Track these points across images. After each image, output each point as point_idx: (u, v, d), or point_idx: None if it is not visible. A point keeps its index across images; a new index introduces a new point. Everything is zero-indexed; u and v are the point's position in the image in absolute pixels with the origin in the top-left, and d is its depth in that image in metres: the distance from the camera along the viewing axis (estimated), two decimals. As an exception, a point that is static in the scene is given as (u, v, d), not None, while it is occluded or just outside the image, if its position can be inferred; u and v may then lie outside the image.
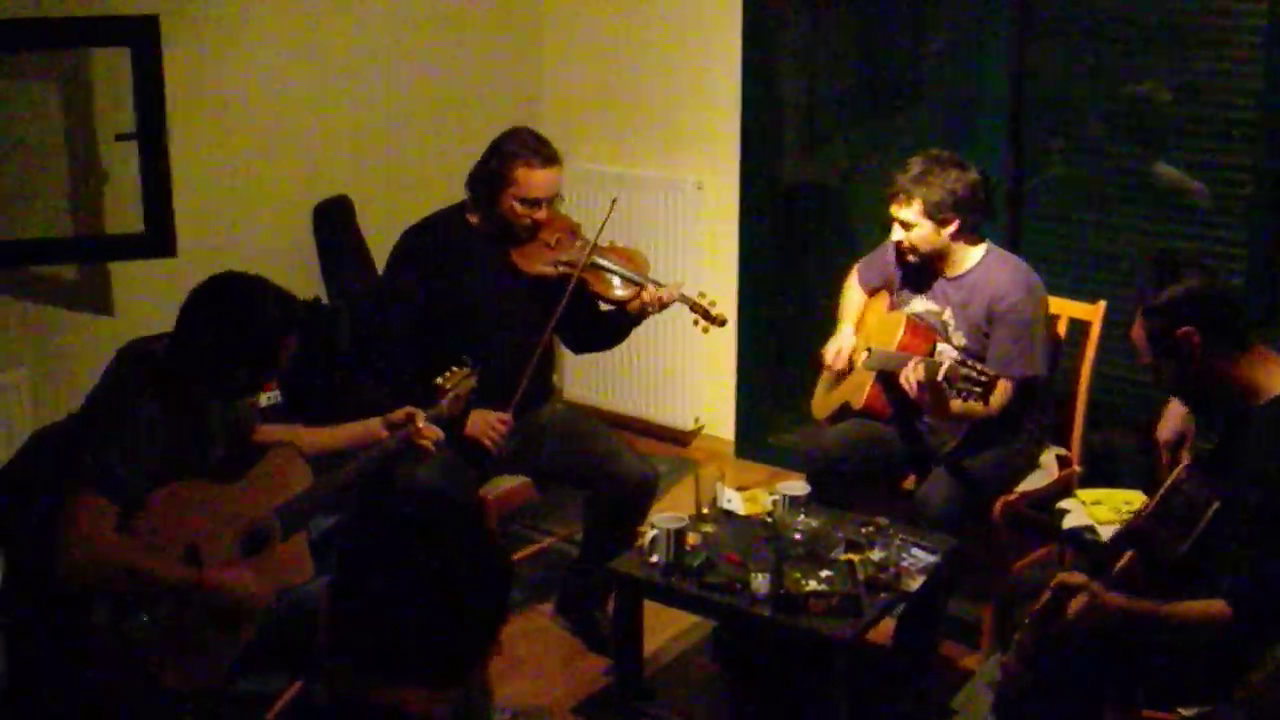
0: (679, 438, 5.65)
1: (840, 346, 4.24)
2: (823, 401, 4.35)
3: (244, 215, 4.76)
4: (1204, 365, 3.00)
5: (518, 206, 3.95)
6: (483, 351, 3.98)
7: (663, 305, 4.06)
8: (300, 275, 4.90)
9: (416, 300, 3.99)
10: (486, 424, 3.96)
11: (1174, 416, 3.60)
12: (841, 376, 4.29)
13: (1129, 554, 3.10)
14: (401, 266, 4.07)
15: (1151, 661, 2.95)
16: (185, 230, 4.35)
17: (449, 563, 1.82)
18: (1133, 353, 3.16)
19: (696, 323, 4.08)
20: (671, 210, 5.38)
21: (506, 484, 4.10)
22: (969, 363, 3.67)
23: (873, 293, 4.35)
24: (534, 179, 3.93)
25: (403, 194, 5.05)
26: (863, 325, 4.31)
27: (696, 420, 5.60)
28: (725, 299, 5.36)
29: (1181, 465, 3.23)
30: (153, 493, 2.97)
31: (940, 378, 3.68)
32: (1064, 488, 4.05)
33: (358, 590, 1.82)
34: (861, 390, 4.11)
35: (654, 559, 3.57)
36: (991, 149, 4.65)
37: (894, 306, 4.22)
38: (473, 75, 5.44)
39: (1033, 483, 4.05)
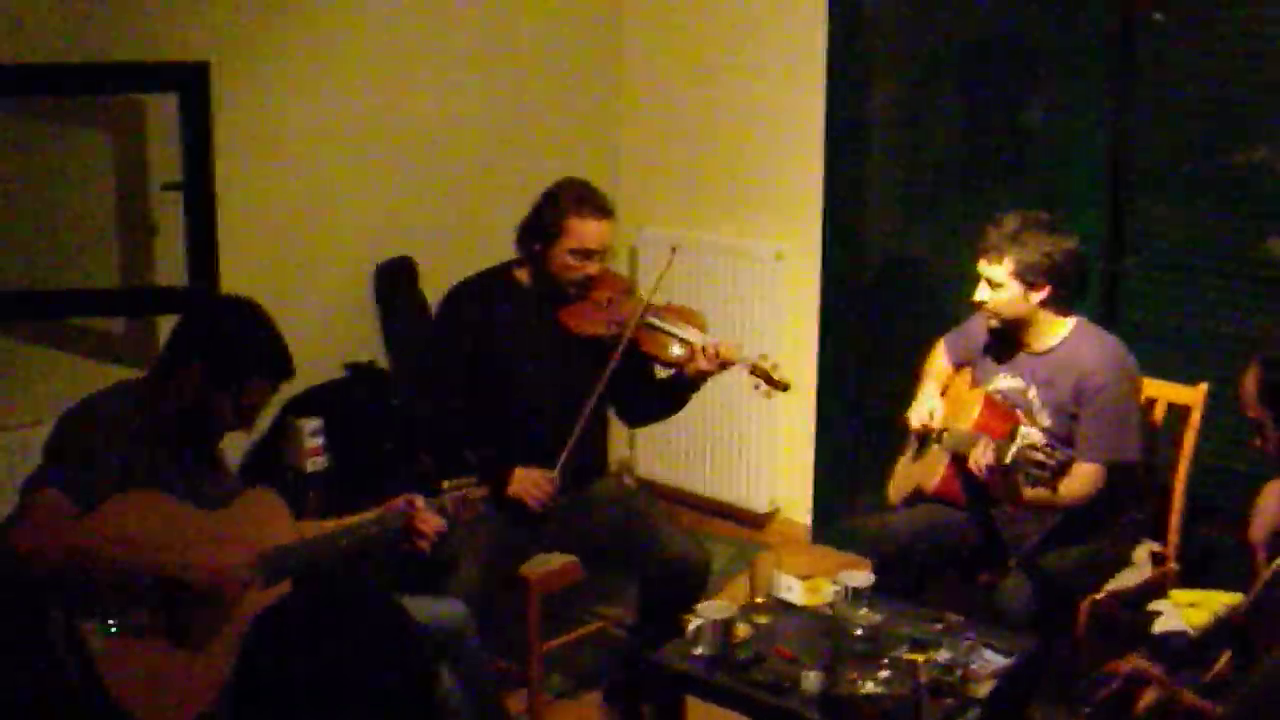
0: (754, 520, 5.35)
1: (930, 408, 3.93)
2: (899, 483, 4.05)
3: (300, 272, 4.61)
4: None
5: (569, 259, 3.74)
6: (531, 418, 3.78)
7: (722, 365, 3.79)
8: (358, 337, 4.74)
9: (461, 364, 3.79)
10: (531, 481, 3.73)
11: (1268, 512, 3.25)
12: (921, 455, 3.98)
13: (1225, 654, 2.77)
14: (446, 328, 3.88)
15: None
16: (236, 285, 4.20)
17: (355, 665, 1.60)
18: (1239, 431, 2.88)
19: (757, 387, 3.81)
20: (750, 280, 5.13)
21: (551, 562, 3.84)
22: (1041, 445, 3.36)
23: (958, 367, 4.05)
24: (586, 230, 3.72)
25: (468, 257, 4.81)
26: (945, 400, 4.00)
27: (772, 502, 5.30)
28: (804, 375, 5.10)
29: (1280, 559, 2.89)
30: (119, 496, 2.87)
31: (1008, 460, 3.37)
32: (1158, 587, 3.69)
33: (260, 686, 1.58)
34: (935, 472, 3.80)
35: (698, 650, 3.28)
36: (1089, 223, 4.34)
37: (976, 383, 3.91)
38: (546, 135, 5.24)
39: (1124, 581, 3.71)
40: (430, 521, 3.27)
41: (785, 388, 3.81)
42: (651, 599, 3.83)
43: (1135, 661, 2.68)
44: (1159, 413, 3.89)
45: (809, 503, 5.24)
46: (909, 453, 4.05)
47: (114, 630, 2.78)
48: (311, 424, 4.37)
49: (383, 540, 3.28)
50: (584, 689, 4.12)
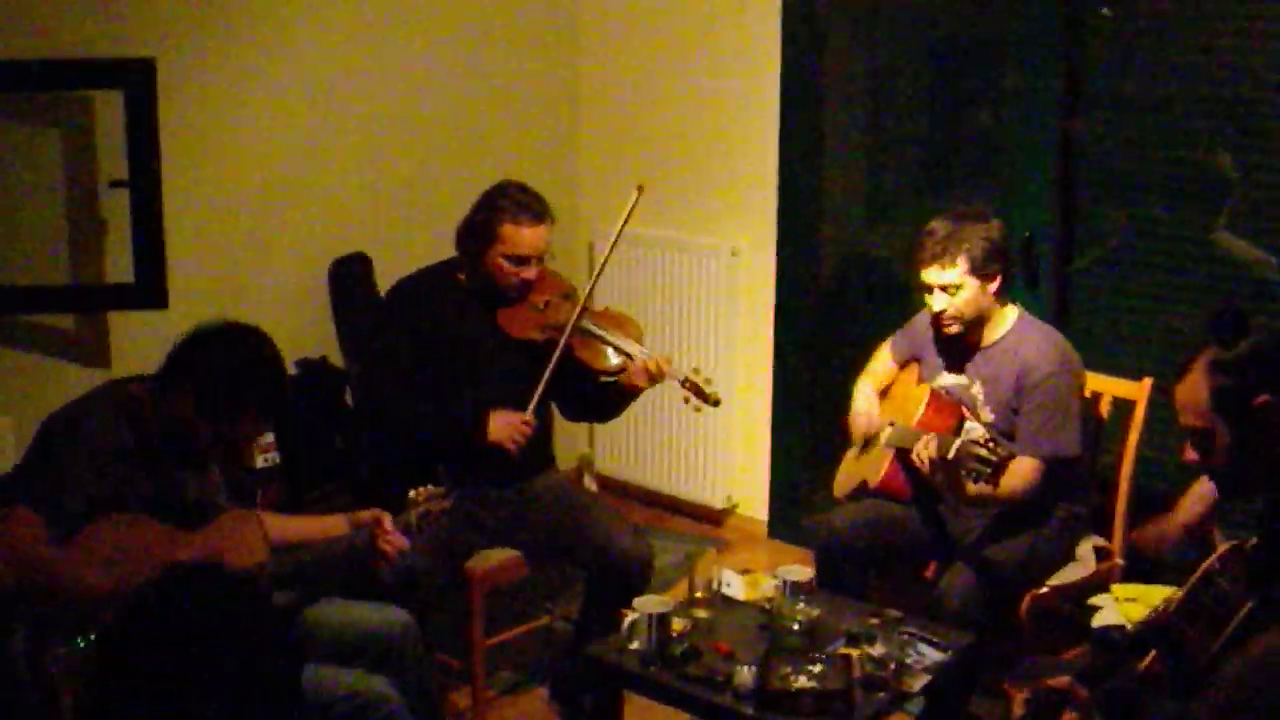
0: (712, 517, 5.36)
1: (867, 411, 3.93)
2: (843, 478, 4.05)
3: (252, 268, 4.60)
4: (1272, 442, 2.63)
5: (504, 264, 3.73)
6: (479, 415, 3.77)
7: (653, 379, 3.78)
8: (312, 334, 4.73)
9: (403, 362, 3.78)
10: (510, 426, 3.71)
11: (1197, 498, 3.25)
12: (865, 451, 3.98)
13: (1151, 653, 2.76)
14: (387, 326, 3.88)
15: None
16: (190, 282, 4.21)
17: (213, 651, 1.63)
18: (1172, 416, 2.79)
19: (687, 400, 3.80)
20: (705, 277, 5.13)
21: (495, 557, 3.83)
22: (981, 439, 3.37)
23: (904, 365, 4.05)
24: (520, 236, 3.71)
25: (424, 253, 4.80)
26: (889, 399, 4.00)
27: (729, 499, 5.30)
28: (760, 372, 5.10)
29: (1216, 554, 2.87)
30: (97, 521, 2.85)
31: (951, 455, 3.37)
32: (1103, 582, 3.70)
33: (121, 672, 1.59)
34: (879, 468, 3.80)
35: (634, 645, 3.28)
36: (1040, 220, 4.37)
37: (922, 379, 3.92)
38: (504, 131, 5.24)
39: (1067, 575, 3.72)
40: (395, 542, 3.24)
41: (716, 403, 3.81)
42: (595, 594, 3.83)
43: (1049, 680, 2.65)
44: (1105, 407, 3.89)
45: (765, 499, 5.24)
46: (854, 448, 4.05)
47: (82, 645, 2.75)
48: (261, 420, 4.35)
49: (347, 557, 3.28)
50: (530, 684, 4.11)
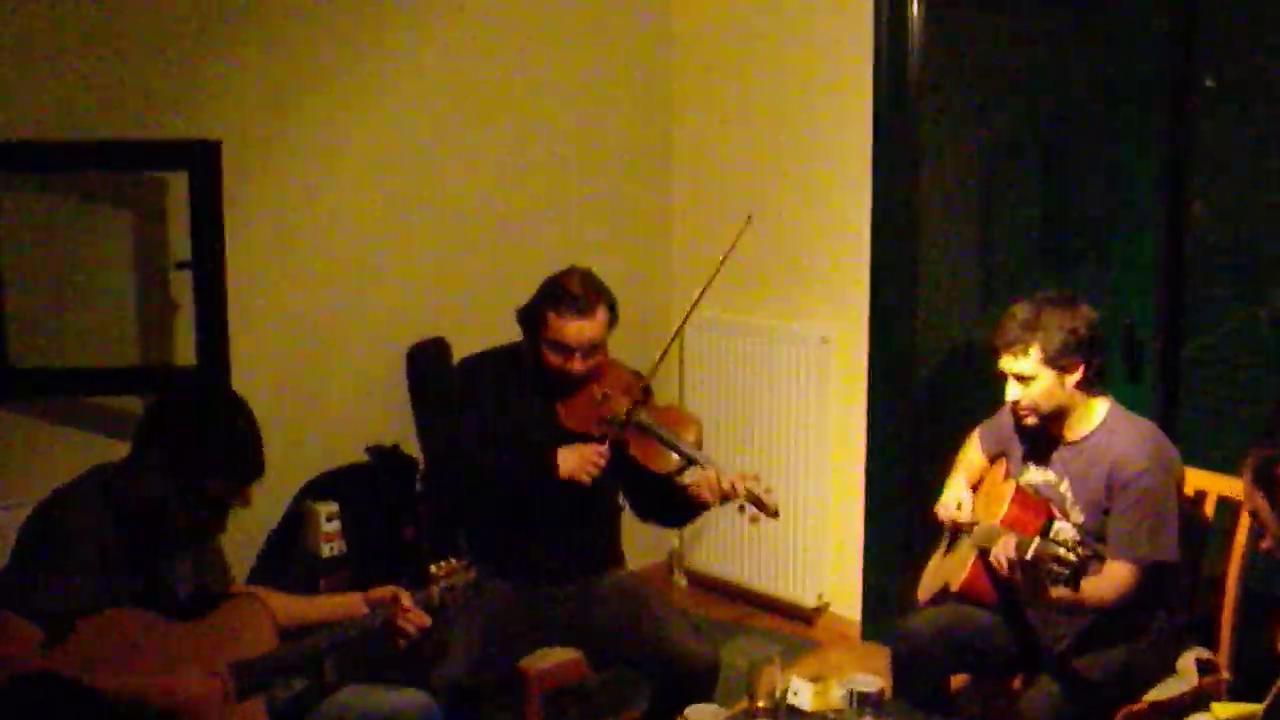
0: (803, 615, 5.12)
1: (957, 498, 3.69)
2: (928, 580, 3.80)
3: (323, 354, 4.52)
4: None
5: (550, 354, 3.59)
6: (537, 508, 3.61)
7: (724, 498, 3.55)
8: (388, 421, 4.62)
9: (478, 428, 3.64)
10: (583, 458, 3.55)
11: None
12: (951, 551, 3.74)
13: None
14: (459, 404, 3.74)
15: None
16: (249, 366, 4.13)
17: None
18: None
19: (743, 509, 3.56)
20: (796, 364, 4.93)
21: (554, 656, 3.65)
22: (1068, 541, 3.12)
23: (993, 459, 3.80)
24: (562, 328, 3.56)
25: (506, 338, 4.71)
26: (977, 495, 3.76)
27: (820, 597, 5.06)
28: (853, 464, 4.87)
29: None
30: (90, 617, 2.71)
31: (1029, 556, 3.12)
32: (1211, 697, 3.39)
33: None
34: (962, 569, 3.55)
35: (686, 758, 3.07)
36: (1146, 306, 4.13)
37: (1009, 475, 3.67)
38: (592, 211, 5.13)
39: (1166, 690, 3.43)
40: (414, 620, 3.10)
41: (775, 514, 3.57)
42: (660, 699, 3.62)
43: None
44: (1209, 507, 3.60)
45: (859, 598, 4.98)
46: (941, 549, 3.81)
47: None
48: (327, 508, 4.26)
49: (362, 640, 3.13)
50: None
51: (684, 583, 5.50)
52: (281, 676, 3.00)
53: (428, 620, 3.13)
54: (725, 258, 3.71)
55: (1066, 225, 4.55)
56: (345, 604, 3.16)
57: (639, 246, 5.20)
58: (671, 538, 5.46)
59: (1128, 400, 3.64)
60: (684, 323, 3.78)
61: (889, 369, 4.81)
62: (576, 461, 3.55)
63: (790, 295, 5.03)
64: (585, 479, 3.55)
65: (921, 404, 4.83)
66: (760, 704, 3.33)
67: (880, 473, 4.86)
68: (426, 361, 4.68)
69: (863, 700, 3.20)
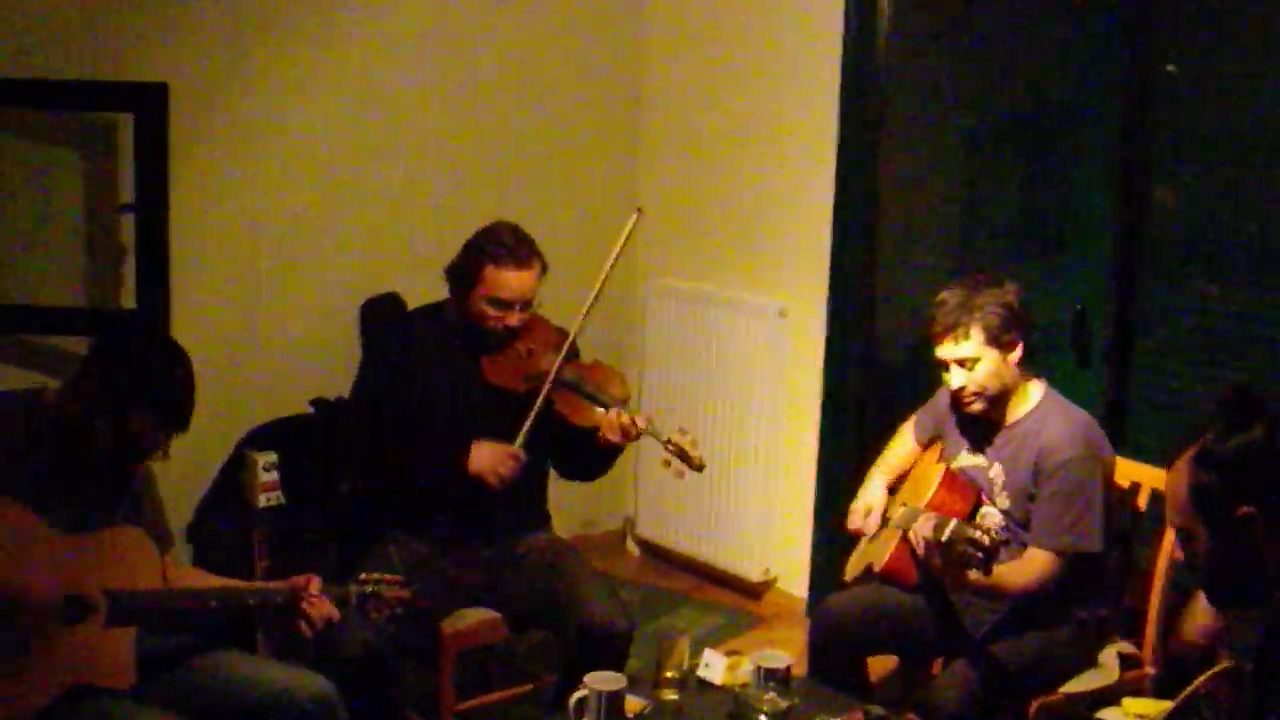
0: (750, 590, 5.08)
1: (869, 503, 3.65)
2: (853, 560, 3.76)
3: (275, 305, 4.50)
4: (1256, 552, 2.31)
5: (486, 308, 3.55)
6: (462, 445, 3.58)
7: (627, 435, 3.52)
8: (338, 376, 4.58)
9: (375, 403, 3.63)
10: (494, 457, 3.51)
11: (1205, 610, 2.91)
12: (877, 533, 3.69)
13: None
14: (368, 366, 3.71)
15: None
16: (189, 310, 4.10)
17: None
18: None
19: (668, 464, 3.52)
20: (754, 337, 4.89)
21: (471, 617, 3.62)
22: (990, 527, 3.08)
23: (927, 445, 3.76)
24: (502, 280, 3.52)
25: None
26: (909, 479, 3.72)
27: (767, 572, 5.02)
28: (807, 438, 4.83)
29: (1206, 675, 2.56)
30: None
31: (944, 538, 3.09)
32: (1132, 692, 3.34)
33: None
34: (886, 550, 3.51)
35: (582, 723, 3.04)
36: (1094, 293, 4.08)
37: (943, 459, 3.63)
38: (552, 168, 5.08)
39: (1085, 683, 3.38)
40: (320, 608, 3.04)
41: (700, 468, 3.52)
42: (573, 664, 3.58)
43: None
44: (1143, 500, 3.55)
45: (806, 575, 4.94)
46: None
47: None
48: (266, 458, 4.23)
49: (261, 610, 3.12)
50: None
51: (636, 552, 5.47)
52: (160, 619, 2.96)
53: (335, 613, 3.07)
54: (618, 254, 3.63)
55: (1031, 207, 4.48)
56: (256, 587, 3.14)
57: (599, 204, 5.13)
58: (627, 506, 5.43)
59: (1073, 388, 3.59)
60: (604, 280, 3.66)
61: (845, 344, 4.75)
62: (488, 461, 3.52)
63: (751, 267, 4.99)
64: (493, 481, 3.52)
65: (876, 382, 4.77)
66: (668, 674, 3.31)
67: (832, 450, 4.81)
68: (379, 317, 4.65)
69: (768, 675, 3.16)
